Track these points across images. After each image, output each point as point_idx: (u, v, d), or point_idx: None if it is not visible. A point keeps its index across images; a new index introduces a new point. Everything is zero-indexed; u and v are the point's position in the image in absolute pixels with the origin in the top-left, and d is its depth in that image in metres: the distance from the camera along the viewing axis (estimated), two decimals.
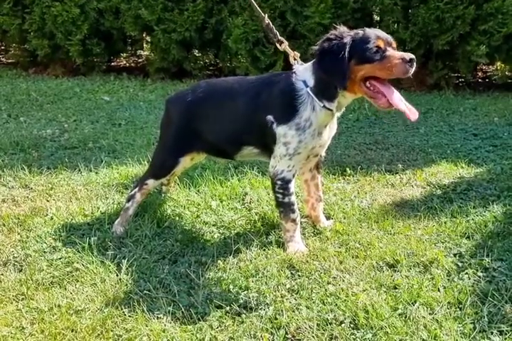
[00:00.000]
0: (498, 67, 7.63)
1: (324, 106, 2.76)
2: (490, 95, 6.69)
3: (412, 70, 2.59)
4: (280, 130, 2.80)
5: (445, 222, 3.20)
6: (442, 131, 5.16)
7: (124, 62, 9.36)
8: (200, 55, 8.00)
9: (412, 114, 2.66)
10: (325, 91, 2.75)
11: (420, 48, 6.67)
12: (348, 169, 4.05)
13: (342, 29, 2.71)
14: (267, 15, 3.26)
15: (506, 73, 7.29)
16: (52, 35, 7.89)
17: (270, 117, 2.81)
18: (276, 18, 6.58)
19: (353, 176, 3.98)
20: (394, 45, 2.68)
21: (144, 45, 8.85)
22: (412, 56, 2.58)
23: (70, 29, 7.68)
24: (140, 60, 9.30)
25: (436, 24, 6.37)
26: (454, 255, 2.85)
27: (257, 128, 2.88)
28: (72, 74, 8.07)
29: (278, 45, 3.15)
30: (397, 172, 4.03)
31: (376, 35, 2.64)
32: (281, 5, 6.68)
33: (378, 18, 7.29)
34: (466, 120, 5.53)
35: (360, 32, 2.66)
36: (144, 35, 8.16)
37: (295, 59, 3.01)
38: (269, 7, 6.68)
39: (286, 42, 3.13)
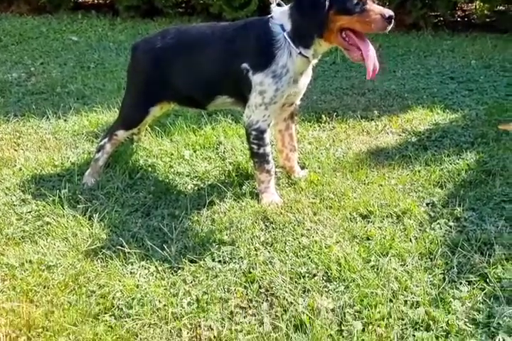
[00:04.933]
0: (477, 6, 7.48)
1: (300, 53, 2.68)
2: (468, 35, 6.59)
3: (390, 27, 2.53)
4: (256, 78, 2.71)
5: (419, 171, 3.20)
6: (419, 75, 5.10)
7: None
8: None
9: (372, 73, 2.62)
10: (301, 37, 2.66)
11: None
12: (323, 116, 3.99)
13: None
14: None
15: (485, 12, 7.16)
16: None
17: (245, 65, 2.72)
18: None
19: (329, 123, 3.93)
20: None
21: None
22: (391, 13, 2.51)
23: None
24: None
25: None
26: (427, 204, 2.86)
27: (232, 77, 2.79)
28: (38, 12, 7.72)
29: None
30: (372, 119, 3.99)
31: None
32: None
33: None
34: (443, 62, 5.46)
35: None
36: None
37: None
38: None
39: None
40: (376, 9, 2.52)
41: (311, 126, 3.88)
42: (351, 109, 4.16)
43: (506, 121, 3.81)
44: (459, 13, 7.72)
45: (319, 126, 3.90)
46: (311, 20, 2.58)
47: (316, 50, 2.71)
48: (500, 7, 7.26)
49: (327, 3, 2.51)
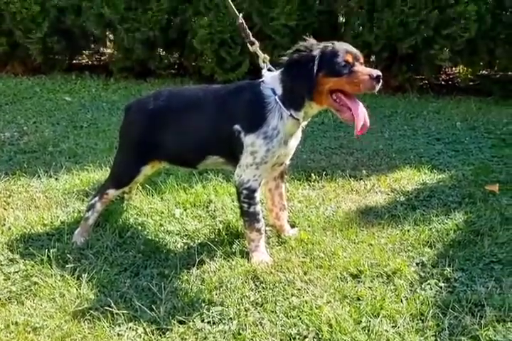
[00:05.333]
0: (461, 71, 7.75)
1: (291, 115, 2.76)
2: (453, 98, 6.80)
3: (379, 87, 2.62)
4: (248, 139, 2.77)
5: (408, 230, 3.22)
6: (406, 135, 5.22)
7: (87, 59, 9.16)
8: (164, 54, 7.89)
9: (360, 130, 2.68)
10: (292, 100, 2.74)
11: (385, 51, 6.74)
12: (313, 174, 4.05)
13: (311, 41, 2.73)
14: (241, 14, 3.22)
15: (469, 76, 7.42)
16: (11, 33, 7.68)
17: (237, 126, 2.79)
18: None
19: (318, 182, 3.97)
20: (362, 60, 2.69)
21: (107, 42, 8.68)
22: (379, 73, 2.60)
23: (30, 27, 7.48)
24: (103, 58, 9.12)
25: (401, 28, 6.44)
26: (417, 264, 2.86)
27: (223, 138, 2.85)
28: (32, 73, 7.86)
29: (249, 46, 3.12)
30: (361, 178, 4.05)
31: (345, 49, 2.66)
32: (247, 6, 6.64)
33: (344, 21, 7.30)
34: (429, 124, 5.60)
35: (329, 45, 2.67)
36: (106, 32, 8.00)
37: (264, 62, 3.00)
38: (236, 8, 6.59)
39: (257, 44, 3.10)
40: (364, 70, 2.62)
41: (300, 185, 3.92)
42: (340, 168, 4.22)
43: (492, 182, 3.89)
44: (443, 76, 7.99)
45: (309, 184, 3.95)
46: (301, 85, 2.67)
47: (306, 112, 2.79)
48: (483, 71, 7.54)
49: (315, 67, 2.61)
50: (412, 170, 4.22)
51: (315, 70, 2.62)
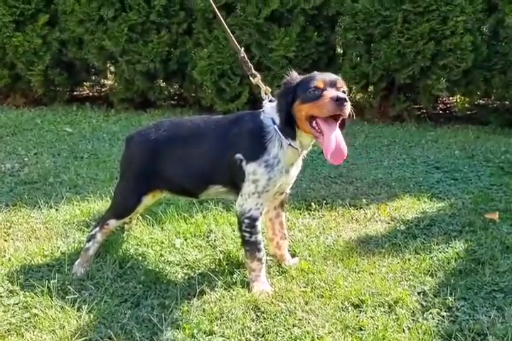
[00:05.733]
0: (458, 100, 7.84)
1: (290, 145, 2.79)
2: (450, 127, 6.86)
3: (345, 109, 2.55)
4: (249, 167, 2.80)
5: (409, 259, 3.21)
6: (405, 164, 5.24)
7: (87, 91, 9.27)
8: (164, 85, 7.99)
9: (335, 156, 2.60)
10: (287, 129, 2.77)
11: (383, 81, 6.84)
12: (313, 204, 4.06)
13: (294, 74, 2.80)
14: (243, 48, 3.28)
15: (466, 105, 7.50)
16: (13, 65, 7.80)
17: (239, 155, 2.81)
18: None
19: (318, 211, 3.98)
20: (340, 85, 2.67)
21: (108, 74, 8.80)
22: (342, 95, 2.55)
23: (32, 59, 7.59)
24: (104, 89, 9.22)
25: (398, 58, 6.54)
26: (418, 293, 2.85)
27: (225, 167, 2.87)
28: (34, 105, 7.95)
29: (251, 78, 3.17)
30: (361, 207, 4.06)
31: (319, 77, 2.69)
32: (246, 38, 6.76)
33: (341, 52, 7.43)
34: (428, 152, 5.63)
35: (307, 75, 2.74)
36: (107, 64, 8.12)
37: (266, 93, 3.04)
38: (235, 39, 6.72)
39: (259, 76, 3.16)
40: (329, 94, 2.59)
41: (300, 214, 3.93)
42: (340, 197, 4.24)
43: (492, 210, 3.90)
44: (440, 106, 8.08)
45: (309, 213, 3.95)
46: (280, 114, 2.76)
47: (301, 141, 2.82)
48: (480, 101, 7.62)
49: (289, 98, 2.70)
50: (412, 198, 4.23)
51: (288, 101, 2.70)
